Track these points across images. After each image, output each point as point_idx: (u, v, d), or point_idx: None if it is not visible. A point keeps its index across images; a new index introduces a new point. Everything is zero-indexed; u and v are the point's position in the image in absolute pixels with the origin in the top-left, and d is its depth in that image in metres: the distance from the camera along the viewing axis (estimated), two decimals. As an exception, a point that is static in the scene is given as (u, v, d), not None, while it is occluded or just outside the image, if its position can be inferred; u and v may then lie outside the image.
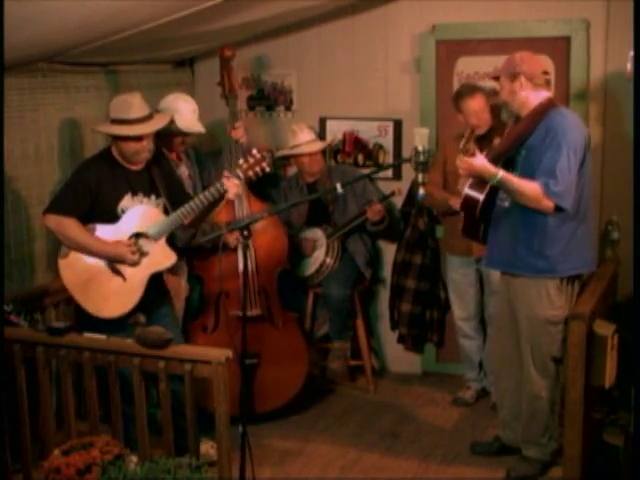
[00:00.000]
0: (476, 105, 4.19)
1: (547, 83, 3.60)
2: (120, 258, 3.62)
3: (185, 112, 4.31)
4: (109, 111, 3.70)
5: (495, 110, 4.27)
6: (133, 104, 3.66)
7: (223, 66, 4.41)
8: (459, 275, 4.57)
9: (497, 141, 3.83)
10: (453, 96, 4.35)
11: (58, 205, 3.63)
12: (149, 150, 3.70)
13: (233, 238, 4.23)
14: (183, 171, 4.40)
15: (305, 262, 4.76)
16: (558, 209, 3.46)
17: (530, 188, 3.45)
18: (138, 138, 3.63)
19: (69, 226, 3.60)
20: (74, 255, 3.64)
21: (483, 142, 3.99)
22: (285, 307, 4.51)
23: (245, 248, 3.33)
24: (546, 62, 3.82)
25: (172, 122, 4.12)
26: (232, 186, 3.65)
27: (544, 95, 3.56)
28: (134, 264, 3.63)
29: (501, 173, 3.48)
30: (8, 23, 2.89)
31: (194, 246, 4.14)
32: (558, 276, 3.59)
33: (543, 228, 3.53)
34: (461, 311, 4.64)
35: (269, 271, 4.43)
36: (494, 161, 3.56)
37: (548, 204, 3.45)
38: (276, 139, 5.16)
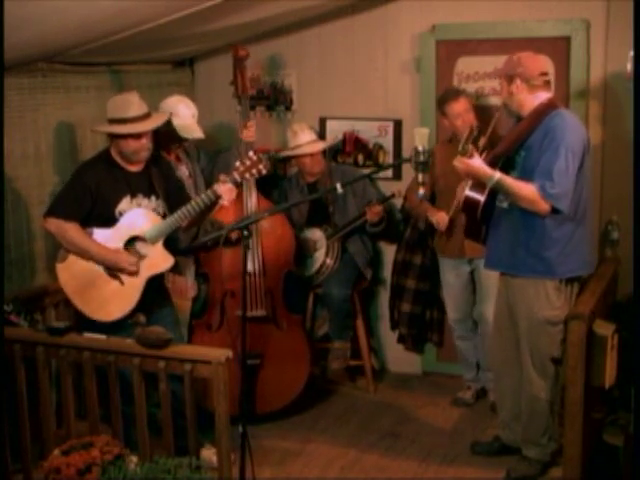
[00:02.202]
0: (460, 108, 4.26)
1: (546, 84, 3.59)
2: (119, 268, 3.62)
3: (185, 117, 4.29)
4: (107, 112, 3.69)
5: (478, 111, 4.32)
6: (132, 102, 3.67)
7: (236, 66, 4.39)
8: (452, 277, 4.57)
9: (483, 141, 3.85)
10: (437, 101, 4.39)
11: (58, 209, 3.63)
12: (148, 149, 3.71)
13: (234, 235, 4.22)
14: (183, 171, 4.39)
15: (305, 262, 4.76)
16: (554, 211, 3.46)
17: (526, 190, 3.45)
18: (137, 136, 3.63)
19: (69, 230, 3.60)
20: (72, 259, 3.64)
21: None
22: (289, 309, 4.50)
23: (246, 248, 3.32)
24: (547, 62, 3.81)
25: (170, 124, 4.12)
26: (226, 192, 3.67)
27: (544, 96, 3.55)
28: (133, 274, 3.64)
29: (497, 175, 3.48)
30: (8, 23, 2.89)
31: (196, 246, 4.14)
32: (557, 278, 3.60)
33: (541, 230, 3.53)
34: (454, 313, 4.63)
35: (276, 272, 4.43)
36: (493, 162, 3.57)
37: (544, 207, 3.45)
38: (276, 139, 5.16)
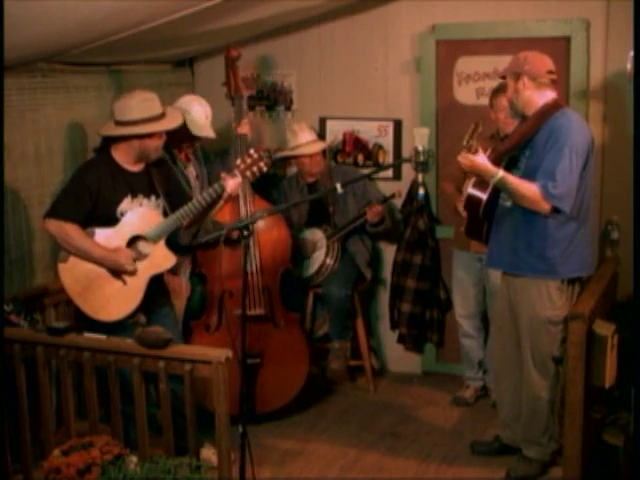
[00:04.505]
0: (506, 102, 4.16)
1: (553, 83, 3.58)
2: (119, 266, 3.60)
3: (198, 116, 4.29)
4: (127, 113, 3.60)
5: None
6: (155, 100, 3.66)
7: (229, 66, 4.39)
8: (463, 273, 4.57)
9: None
10: (490, 93, 4.29)
11: (59, 210, 3.61)
12: (162, 145, 3.73)
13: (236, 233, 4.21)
14: (190, 171, 4.39)
15: (305, 263, 4.76)
16: (556, 211, 3.46)
17: (529, 190, 3.45)
18: (161, 133, 3.64)
19: (70, 231, 3.58)
20: (74, 259, 3.63)
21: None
22: (287, 307, 4.50)
23: (245, 248, 3.32)
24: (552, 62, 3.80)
25: (184, 123, 4.12)
26: (232, 183, 3.64)
27: (549, 95, 3.55)
28: (131, 273, 3.63)
29: (501, 173, 3.48)
30: (8, 23, 2.89)
31: (196, 244, 4.13)
32: (559, 278, 3.60)
33: (544, 229, 3.53)
34: (462, 309, 4.63)
35: (272, 271, 4.42)
36: (498, 160, 3.57)
37: (544, 206, 3.45)
38: (276, 139, 5.16)
